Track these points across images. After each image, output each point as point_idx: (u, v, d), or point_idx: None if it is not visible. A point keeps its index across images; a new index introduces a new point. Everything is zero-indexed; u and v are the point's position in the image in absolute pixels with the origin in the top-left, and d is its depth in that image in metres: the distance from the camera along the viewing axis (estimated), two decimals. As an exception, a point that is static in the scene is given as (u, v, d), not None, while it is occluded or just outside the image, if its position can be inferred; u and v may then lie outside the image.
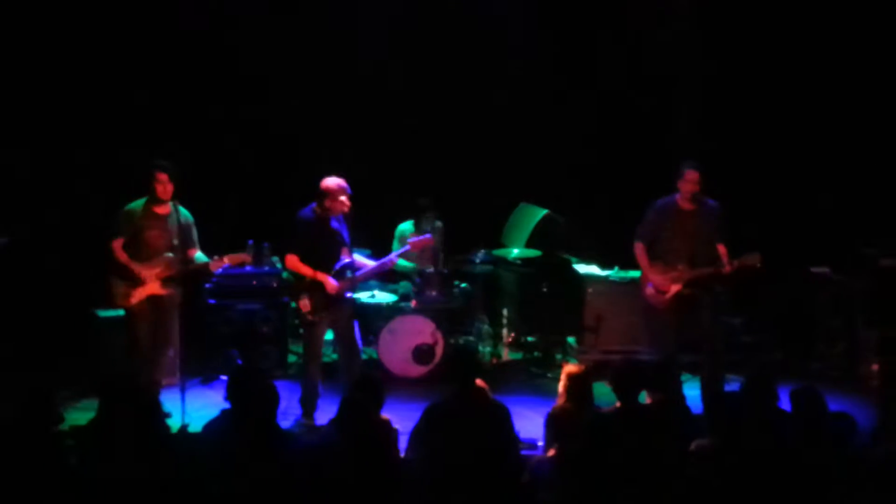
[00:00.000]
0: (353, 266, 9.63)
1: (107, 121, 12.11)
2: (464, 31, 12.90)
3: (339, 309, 9.61)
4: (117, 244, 9.54)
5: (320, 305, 9.54)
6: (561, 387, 7.62)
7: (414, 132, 12.87)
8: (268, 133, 12.82)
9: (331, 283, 9.49)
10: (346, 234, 9.67)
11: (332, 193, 9.51)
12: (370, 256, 10.58)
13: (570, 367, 7.76)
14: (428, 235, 10.33)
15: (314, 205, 9.58)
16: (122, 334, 9.93)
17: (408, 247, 10.18)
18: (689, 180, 9.65)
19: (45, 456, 6.57)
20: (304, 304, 9.58)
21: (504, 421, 7.33)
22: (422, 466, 7.09)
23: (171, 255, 9.58)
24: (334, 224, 9.62)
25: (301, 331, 10.01)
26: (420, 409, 7.37)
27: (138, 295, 9.53)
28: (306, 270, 9.54)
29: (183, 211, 9.63)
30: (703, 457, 6.73)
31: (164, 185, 9.53)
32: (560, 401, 7.56)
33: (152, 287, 9.56)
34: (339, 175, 9.59)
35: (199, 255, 9.74)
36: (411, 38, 12.88)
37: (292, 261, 9.61)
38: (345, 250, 9.66)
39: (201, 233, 9.90)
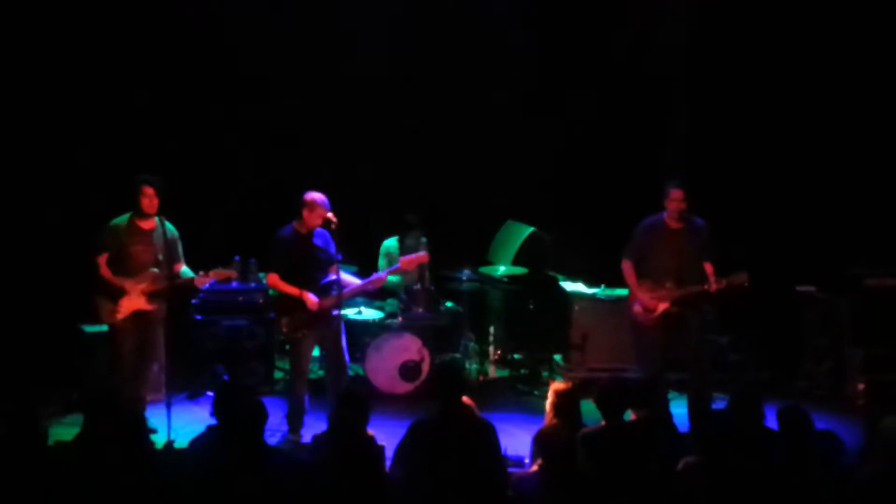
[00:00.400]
0: (339, 283, 9.61)
1: (87, 137, 12.10)
2: (451, 49, 12.92)
3: (324, 326, 9.58)
4: (102, 259, 9.50)
5: (301, 323, 9.53)
6: (548, 404, 7.61)
7: (400, 149, 12.88)
8: (253, 150, 12.83)
9: (311, 299, 9.47)
10: (333, 252, 9.67)
11: (308, 204, 9.51)
12: (356, 274, 10.57)
13: (558, 384, 7.74)
14: (422, 253, 10.28)
15: (294, 222, 9.59)
16: (107, 350, 9.88)
17: (398, 265, 10.15)
18: (675, 199, 9.66)
19: (30, 473, 6.54)
20: (285, 321, 9.59)
21: (489, 439, 7.29)
22: (406, 483, 7.07)
23: (156, 270, 9.55)
24: (318, 241, 9.60)
25: (287, 347, 10.00)
26: (406, 426, 7.34)
27: (124, 310, 9.49)
28: (287, 288, 9.55)
29: (168, 226, 9.60)
30: (690, 475, 6.72)
31: (151, 198, 9.49)
32: (548, 418, 7.55)
33: (138, 302, 9.52)
34: (325, 192, 9.60)
35: (184, 270, 9.71)
36: (399, 56, 12.89)
37: (273, 279, 9.64)
38: (333, 268, 9.65)
39: (188, 248, 9.87)
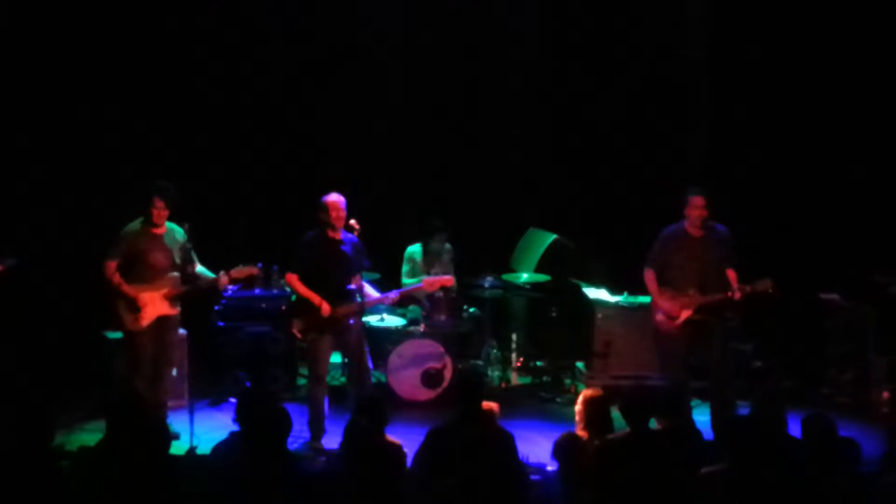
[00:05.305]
0: (361, 292, 9.65)
1: (114, 141, 12.15)
2: (477, 57, 12.94)
3: (339, 333, 9.62)
4: (111, 265, 9.51)
5: (311, 326, 9.56)
6: (578, 412, 7.58)
7: (424, 157, 12.90)
8: (276, 156, 12.86)
9: (324, 306, 9.50)
10: (362, 260, 9.72)
11: (321, 207, 9.57)
12: (378, 281, 10.61)
13: (588, 392, 7.72)
14: (447, 276, 10.18)
15: (322, 226, 9.62)
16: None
17: (421, 283, 10.14)
18: (696, 206, 9.64)
19: (41, 480, 6.55)
20: (296, 323, 9.64)
21: (507, 448, 7.31)
22: (423, 489, 7.07)
23: (176, 273, 9.58)
24: (347, 248, 9.62)
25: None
26: (428, 434, 7.38)
27: (148, 317, 9.53)
28: (303, 291, 9.58)
29: (177, 229, 9.67)
30: (713, 483, 6.70)
31: (160, 210, 9.52)
32: (578, 427, 7.53)
33: (161, 307, 9.57)
34: (347, 198, 9.66)
35: (201, 269, 9.76)
36: (421, 64, 12.93)
37: (290, 279, 9.67)
38: (356, 278, 9.68)
39: (213, 254, 9.91)
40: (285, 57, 12.76)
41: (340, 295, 9.55)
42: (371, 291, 9.96)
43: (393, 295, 10.07)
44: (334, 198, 9.60)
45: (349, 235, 9.70)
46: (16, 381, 10.31)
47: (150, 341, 9.59)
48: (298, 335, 9.68)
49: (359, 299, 9.62)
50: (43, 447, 6.66)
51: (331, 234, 9.61)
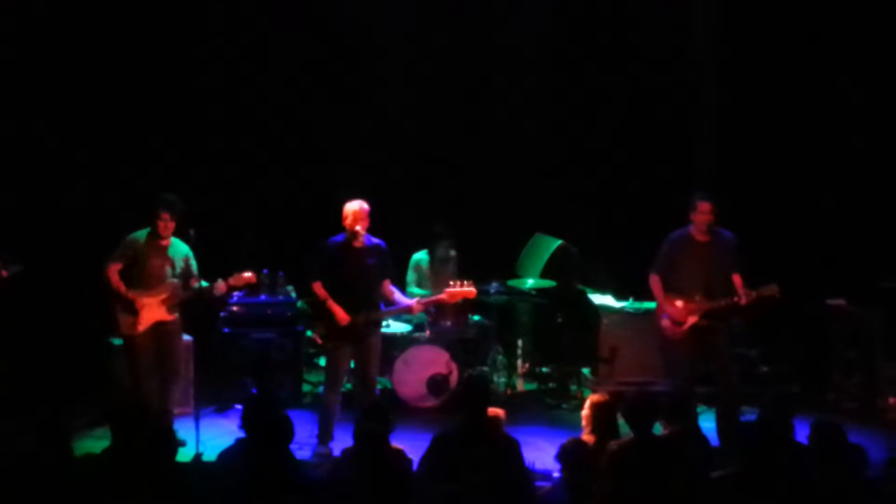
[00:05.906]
0: (376, 301, 9.62)
1: (124, 146, 12.16)
2: (480, 64, 12.94)
3: (357, 341, 9.57)
4: (113, 269, 9.52)
5: (330, 333, 9.54)
6: (584, 417, 7.57)
7: (426, 160, 12.90)
8: (283, 164, 12.87)
9: (339, 313, 9.47)
10: (388, 268, 9.69)
11: (347, 216, 9.50)
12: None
13: (595, 397, 7.72)
14: (470, 289, 10.11)
15: (346, 233, 9.59)
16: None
17: (442, 295, 10.08)
18: (703, 211, 9.63)
19: (57, 487, 6.55)
20: (317, 326, 9.66)
21: (512, 455, 7.32)
22: (428, 495, 7.07)
23: (176, 280, 9.58)
24: (371, 257, 9.56)
25: (315, 360, 10.02)
26: (433, 440, 7.37)
27: (145, 322, 9.52)
28: (322, 296, 9.53)
29: (181, 243, 9.67)
30: (720, 488, 6.68)
31: (166, 223, 9.53)
32: (585, 431, 7.52)
33: (158, 313, 9.56)
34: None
35: (203, 284, 9.77)
36: (421, 64, 12.91)
37: (315, 287, 9.58)
38: (384, 284, 9.64)
39: (217, 263, 9.90)
40: (285, 57, 12.73)
41: (361, 303, 9.51)
42: (401, 298, 9.86)
43: (414, 304, 10.00)
44: (351, 204, 9.53)
45: (375, 241, 9.63)
46: (27, 388, 10.31)
47: (149, 347, 9.59)
48: (319, 340, 9.65)
49: (372, 309, 9.60)
50: (62, 454, 6.68)
51: (352, 240, 9.57)
